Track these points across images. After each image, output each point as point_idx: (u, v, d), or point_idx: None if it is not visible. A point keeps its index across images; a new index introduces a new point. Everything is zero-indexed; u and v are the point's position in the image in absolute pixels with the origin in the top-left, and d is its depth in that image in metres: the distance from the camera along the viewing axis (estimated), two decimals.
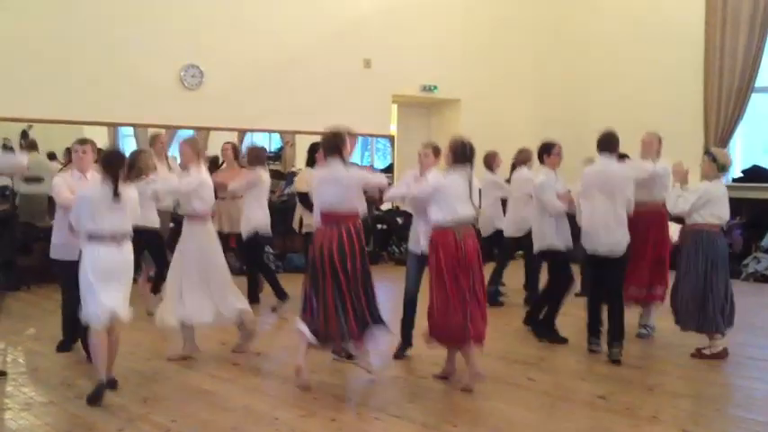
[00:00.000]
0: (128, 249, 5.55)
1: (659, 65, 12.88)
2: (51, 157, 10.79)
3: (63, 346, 6.78)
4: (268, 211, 8.74)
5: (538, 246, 7.50)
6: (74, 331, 6.63)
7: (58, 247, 6.43)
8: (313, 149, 8.95)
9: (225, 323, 6.72)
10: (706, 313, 6.71)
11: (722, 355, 6.78)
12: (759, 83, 12.25)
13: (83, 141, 6.48)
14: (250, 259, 8.98)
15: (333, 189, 5.79)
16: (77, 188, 6.15)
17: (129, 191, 5.59)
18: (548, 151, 7.48)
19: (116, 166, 5.48)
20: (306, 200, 8.48)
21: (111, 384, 5.58)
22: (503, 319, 8.30)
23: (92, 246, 5.41)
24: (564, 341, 7.30)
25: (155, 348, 6.87)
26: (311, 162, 8.94)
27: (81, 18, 10.52)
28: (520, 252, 9.65)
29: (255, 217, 8.57)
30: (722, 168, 6.91)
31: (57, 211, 6.58)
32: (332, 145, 5.87)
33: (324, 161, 5.98)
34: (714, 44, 12.37)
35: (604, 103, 13.10)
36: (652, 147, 7.65)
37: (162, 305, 6.59)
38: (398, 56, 13.06)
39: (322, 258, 5.74)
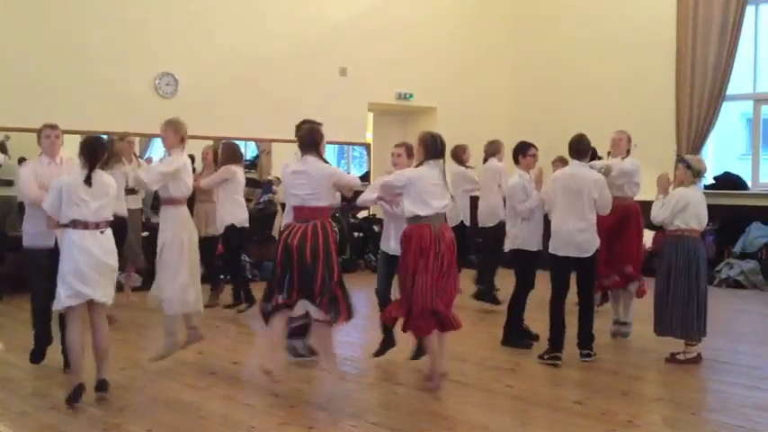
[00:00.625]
0: (110, 236, 5.62)
1: (632, 74, 12.99)
2: (22, 161, 10.64)
3: (35, 357, 6.57)
4: (245, 206, 8.73)
5: (509, 245, 7.55)
6: (45, 338, 6.50)
7: (32, 235, 6.27)
8: None
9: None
10: (691, 319, 6.75)
11: (696, 360, 6.84)
12: (730, 91, 12.37)
13: (54, 126, 6.41)
14: (228, 259, 8.91)
15: (305, 182, 5.74)
16: (47, 175, 6.09)
17: (108, 178, 5.66)
18: (523, 152, 7.51)
19: (99, 155, 5.56)
20: None
21: (102, 386, 5.54)
22: (478, 325, 8.33)
23: (75, 233, 5.44)
24: (530, 345, 7.32)
25: (130, 357, 6.81)
26: None
27: (55, 26, 10.44)
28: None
29: (230, 212, 8.58)
30: (697, 174, 6.95)
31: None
32: (308, 140, 5.86)
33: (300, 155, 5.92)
34: (685, 53, 12.50)
35: (579, 111, 13.17)
36: (621, 144, 7.83)
37: (173, 294, 6.32)
38: (374, 64, 13.09)
39: (286, 249, 5.67)
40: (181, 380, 6.24)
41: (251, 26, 12.00)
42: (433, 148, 5.91)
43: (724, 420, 5.43)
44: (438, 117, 14.04)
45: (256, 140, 12.90)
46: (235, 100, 11.77)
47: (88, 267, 5.43)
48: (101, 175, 5.57)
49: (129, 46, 10.92)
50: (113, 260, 5.64)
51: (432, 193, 5.83)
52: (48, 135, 6.35)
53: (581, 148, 6.93)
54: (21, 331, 7.58)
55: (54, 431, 5.08)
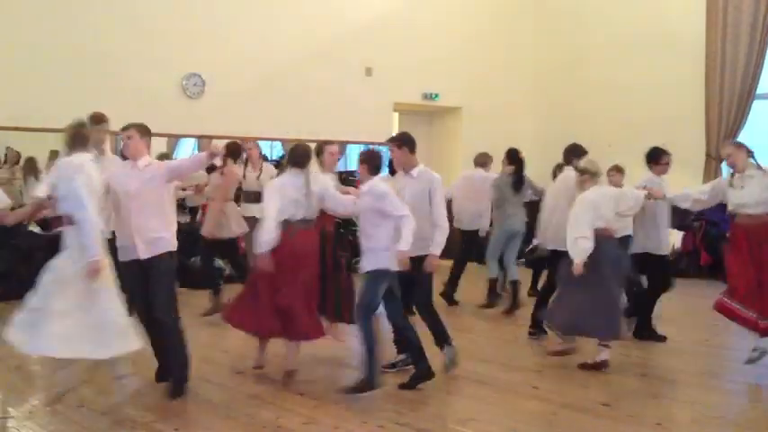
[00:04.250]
0: None
1: (660, 74, 12.87)
2: (54, 155, 10.71)
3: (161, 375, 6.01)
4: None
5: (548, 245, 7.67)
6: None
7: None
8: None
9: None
10: None
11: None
12: (760, 90, 12.25)
13: (125, 128, 5.97)
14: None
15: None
16: (131, 182, 5.71)
17: None
18: (577, 155, 7.55)
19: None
20: None
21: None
22: (507, 327, 8.29)
23: None
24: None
25: None
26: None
27: (83, 27, 10.54)
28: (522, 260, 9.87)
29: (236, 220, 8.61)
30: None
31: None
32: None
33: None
34: (715, 52, 12.38)
35: (606, 111, 13.12)
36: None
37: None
38: (400, 64, 13.09)
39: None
40: (208, 379, 6.27)
41: (277, 26, 12.05)
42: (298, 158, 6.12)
43: (756, 424, 5.36)
44: (463, 117, 14.04)
45: (282, 140, 12.94)
46: (261, 100, 11.82)
47: None
48: None
49: (157, 47, 11.01)
50: None
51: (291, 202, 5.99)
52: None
53: (576, 155, 7.22)
54: None
55: (83, 429, 5.13)
